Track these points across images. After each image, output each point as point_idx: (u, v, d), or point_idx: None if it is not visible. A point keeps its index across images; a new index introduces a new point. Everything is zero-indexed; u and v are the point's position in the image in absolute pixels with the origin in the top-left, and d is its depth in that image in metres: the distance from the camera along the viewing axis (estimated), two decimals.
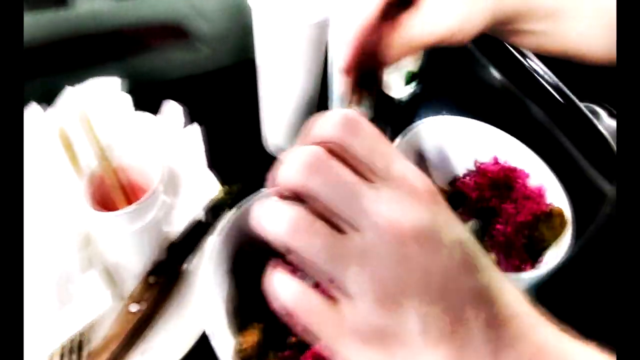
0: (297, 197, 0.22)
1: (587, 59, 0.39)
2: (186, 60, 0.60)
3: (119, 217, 0.36)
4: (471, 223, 0.41)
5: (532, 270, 0.42)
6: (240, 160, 0.53)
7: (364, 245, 0.21)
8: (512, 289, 0.23)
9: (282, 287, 0.22)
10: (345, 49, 0.33)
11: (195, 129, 0.46)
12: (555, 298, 0.46)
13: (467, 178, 0.48)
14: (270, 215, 0.22)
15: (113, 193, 0.38)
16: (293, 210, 0.22)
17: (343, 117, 0.23)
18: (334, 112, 0.23)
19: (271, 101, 0.50)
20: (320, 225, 0.21)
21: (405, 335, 0.21)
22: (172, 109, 0.46)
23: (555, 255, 0.43)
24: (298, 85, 0.48)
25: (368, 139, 0.23)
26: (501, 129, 0.50)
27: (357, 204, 0.21)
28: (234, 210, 0.39)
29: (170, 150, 0.44)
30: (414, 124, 0.49)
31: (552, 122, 0.65)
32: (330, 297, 0.22)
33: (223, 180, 0.47)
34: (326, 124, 0.23)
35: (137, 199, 0.36)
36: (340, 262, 0.21)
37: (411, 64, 0.63)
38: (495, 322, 0.21)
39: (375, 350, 0.21)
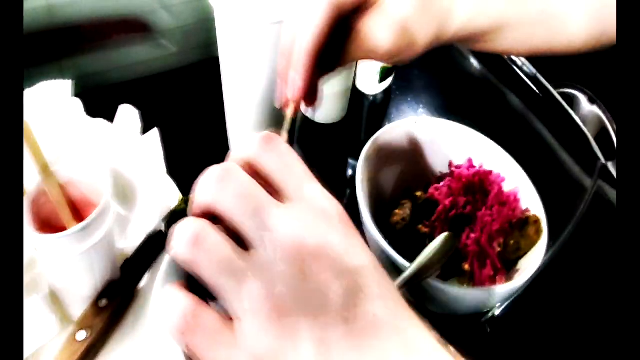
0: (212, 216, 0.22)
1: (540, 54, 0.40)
2: (149, 57, 0.57)
3: (64, 239, 0.33)
4: (444, 236, 0.39)
5: (507, 282, 0.40)
6: (204, 165, 0.51)
7: (262, 260, 0.20)
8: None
9: (171, 304, 0.21)
10: (298, 75, 0.31)
11: (154, 134, 0.44)
12: (531, 307, 0.45)
13: (442, 183, 0.46)
14: (176, 231, 0.21)
15: (60, 211, 0.35)
16: (194, 224, 0.21)
17: (261, 137, 0.23)
18: (254, 136, 0.23)
19: (236, 102, 0.48)
20: (219, 240, 0.21)
21: (302, 358, 0.19)
22: (127, 114, 0.43)
23: (529, 264, 0.42)
24: (263, 85, 0.45)
25: (283, 158, 0.23)
26: (479, 120, 0.49)
27: (261, 219, 0.21)
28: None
29: (125, 159, 0.41)
30: (385, 127, 0.47)
31: (529, 112, 0.64)
32: (227, 317, 0.21)
33: (184, 188, 0.44)
34: (246, 144, 0.23)
35: (88, 215, 0.34)
36: (234, 277, 0.20)
37: None
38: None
39: None
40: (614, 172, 0.58)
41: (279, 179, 0.23)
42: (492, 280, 0.42)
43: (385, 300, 0.21)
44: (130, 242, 0.39)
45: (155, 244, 0.40)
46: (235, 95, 0.47)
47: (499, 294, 0.39)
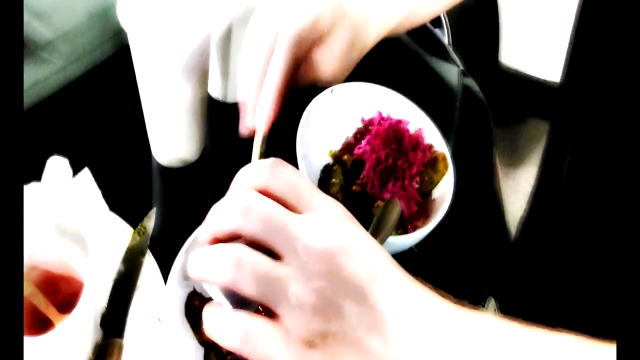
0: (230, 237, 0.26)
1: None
2: (34, 79, 0.53)
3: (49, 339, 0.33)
4: (387, 201, 0.46)
5: (429, 222, 0.48)
6: (134, 185, 0.50)
7: (297, 265, 0.25)
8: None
9: (225, 324, 0.25)
10: (263, 109, 0.37)
11: (86, 174, 0.44)
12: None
13: (363, 143, 0.52)
14: (212, 261, 0.25)
15: (34, 300, 0.36)
16: (231, 250, 0.25)
17: (268, 165, 0.27)
18: (258, 163, 0.28)
19: (159, 119, 0.48)
20: (257, 257, 0.25)
21: (346, 332, 0.25)
22: (56, 167, 0.42)
23: (441, 191, 0.51)
24: (184, 99, 0.46)
25: (290, 179, 0.28)
26: (375, 73, 0.54)
27: (287, 233, 0.26)
28: (178, 258, 0.39)
29: (65, 211, 0.42)
30: (310, 104, 0.50)
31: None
32: (269, 317, 0.26)
33: (126, 216, 0.45)
34: (253, 172, 0.28)
35: (65, 290, 0.36)
36: (278, 285, 0.25)
37: None
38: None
39: (319, 352, 0.25)
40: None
41: (292, 197, 0.27)
42: (417, 215, 0.51)
43: (393, 276, 0.27)
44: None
45: (124, 287, 0.41)
46: (159, 114, 0.47)
47: (417, 237, 0.47)
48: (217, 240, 0.27)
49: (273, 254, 0.26)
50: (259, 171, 0.27)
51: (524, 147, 1.58)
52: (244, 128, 0.38)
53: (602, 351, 0.27)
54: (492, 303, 0.61)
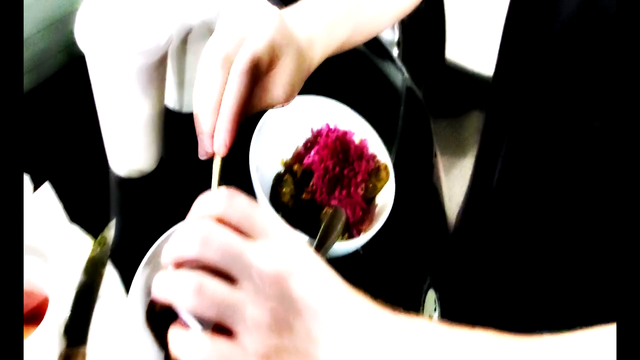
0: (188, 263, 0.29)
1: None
2: None
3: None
4: (332, 209, 0.50)
5: (372, 226, 0.52)
6: (93, 196, 0.52)
7: (252, 288, 0.29)
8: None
9: (188, 345, 0.29)
10: (221, 135, 0.39)
11: (46, 189, 0.45)
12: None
13: (312, 153, 0.55)
14: (176, 287, 0.29)
15: None
16: (191, 277, 0.28)
17: (224, 196, 0.30)
18: (214, 193, 0.31)
19: (117, 132, 0.50)
20: (216, 284, 0.28)
21: (297, 345, 0.29)
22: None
23: (383, 196, 0.55)
24: (141, 113, 0.48)
25: (246, 209, 0.31)
26: (323, 87, 0.57)
27: (243, 261, 0.29)
28: (140, 270, 0.42)
29: (29, 228, 0.43)
30: (263, 117, 0.54)
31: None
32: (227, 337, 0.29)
33: (87, 227, 0.46)
34: (211, 202, 0.30)
35: (28, 304, 0.37)
36: (235, 307, 0.28)
37: None
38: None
39: None
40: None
41: (246, 226, 0.30)
42: (362, 220, 0.55)
43: (335, 292, 0.31)
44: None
45: (86, 297, 0.43)
46: (115, 125, 0.49)
47: (361, 241, 0.52)
48: (180, 265, 0.30)
49: (230, 277, 0.29)
50: (216, 201, 0.30)
51: (468, 138, 1.67)
52: (202, 153, 0.41)
53: (519, 347, 0.31)
54: (432, 294, 0.67)
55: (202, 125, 0.39)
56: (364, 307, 0.32)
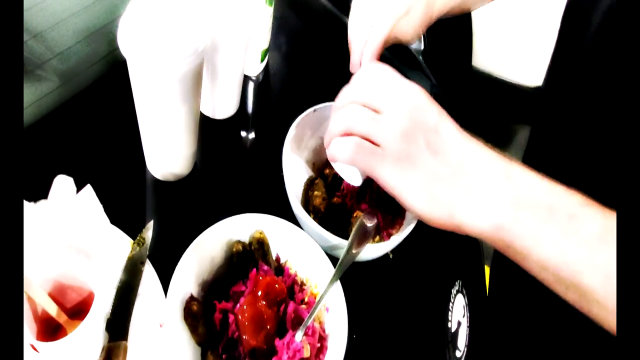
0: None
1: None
2: (34, 98, 0.55)
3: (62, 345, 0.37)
4: (363, 213, 0.50)
5: (402, 230, 0.53)
6: (131, 199, 0.54)
7: (391, 113, 0.42)
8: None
9: (342, 146, 0.42)
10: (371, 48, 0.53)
11: (88, 191, 0.47)
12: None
13: None
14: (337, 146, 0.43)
15: (46, 308, 0.39)
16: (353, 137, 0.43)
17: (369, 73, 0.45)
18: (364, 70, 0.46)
19: (155, 138, 0.51)
20: (366, 112, 0.43)
21: (420, 152, 0.41)
22: (61, 185, 0.45)
23: None
24: (180, 118, 0.49)
25: (384, 81, 0.44)
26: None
27: (386, 100, 0.43)
28: (184, 258, 0.44)
29: (73, 228, 0.45)
30: (295, 121, 0.55)
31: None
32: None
33: (126, 228, 0.48)
34: (356, 81, 0.45)
35: (73, 299, 0.39)
36: (378, 123, 0.42)
37: (265, 41, 0.65)
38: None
39: (403, 165, 0.41)
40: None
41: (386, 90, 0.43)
42: (392, 224, 0.56)
43: (450, 124, 0.43)
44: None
45: (126, 294, 0.45)
46: (155, 132, 0.50)
47: (395, 242, 0.52)
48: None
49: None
50: (362, 83, 0.45)
51: (500, 147, 1.65)
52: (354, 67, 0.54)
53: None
54: (461, 299, 0.66)
55: (353, 56, 0.54)
56: (470, 138, 0.43)
